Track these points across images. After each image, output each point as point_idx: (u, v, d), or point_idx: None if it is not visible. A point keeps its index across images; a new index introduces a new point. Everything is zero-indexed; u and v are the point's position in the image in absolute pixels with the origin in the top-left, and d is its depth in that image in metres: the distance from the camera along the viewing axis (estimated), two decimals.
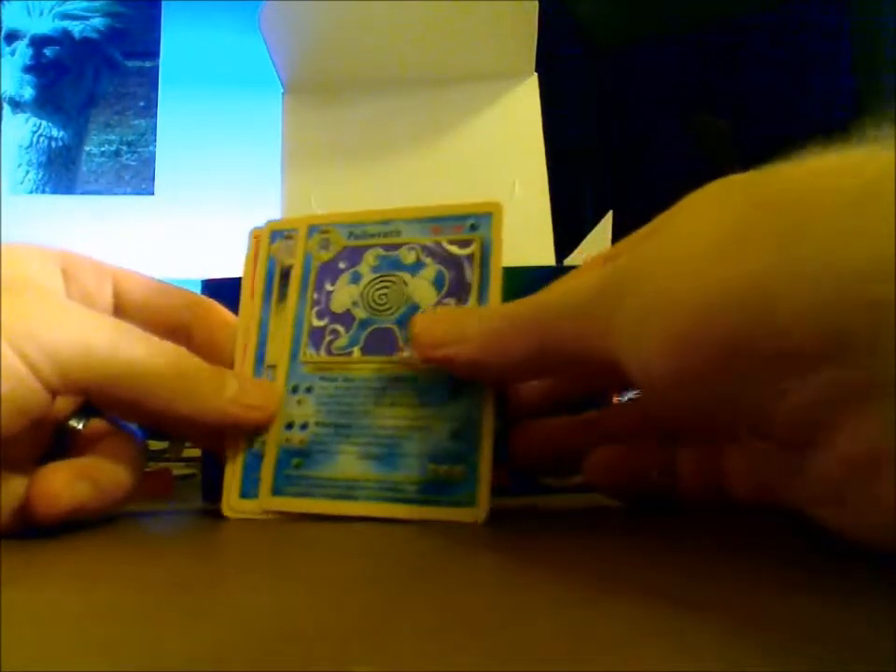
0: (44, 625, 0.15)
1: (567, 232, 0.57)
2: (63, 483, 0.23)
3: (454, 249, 0.28)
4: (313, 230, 0.29)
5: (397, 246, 0.28)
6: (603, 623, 0.14)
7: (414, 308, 0.27)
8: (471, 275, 0.27)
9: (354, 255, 0.29)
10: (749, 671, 0.11)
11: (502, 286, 0.30)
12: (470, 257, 0.28)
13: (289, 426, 0.27)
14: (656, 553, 0.19)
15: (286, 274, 0.29)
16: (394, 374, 0.27)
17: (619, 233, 0.53)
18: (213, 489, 0.28)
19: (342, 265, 0.29)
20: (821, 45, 0.68)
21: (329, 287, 0.29)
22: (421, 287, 0.28)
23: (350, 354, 0.28)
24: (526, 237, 0.57)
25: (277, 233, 0.30)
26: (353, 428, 0.27)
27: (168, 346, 0.25)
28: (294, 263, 0.29)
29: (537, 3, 0.53)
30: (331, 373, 0.27)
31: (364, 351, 0.27)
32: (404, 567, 0.20)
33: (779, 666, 0.11)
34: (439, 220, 0.28)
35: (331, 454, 0.26)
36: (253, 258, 0.30)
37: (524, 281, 0.30)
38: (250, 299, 0.29)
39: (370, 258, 0.28)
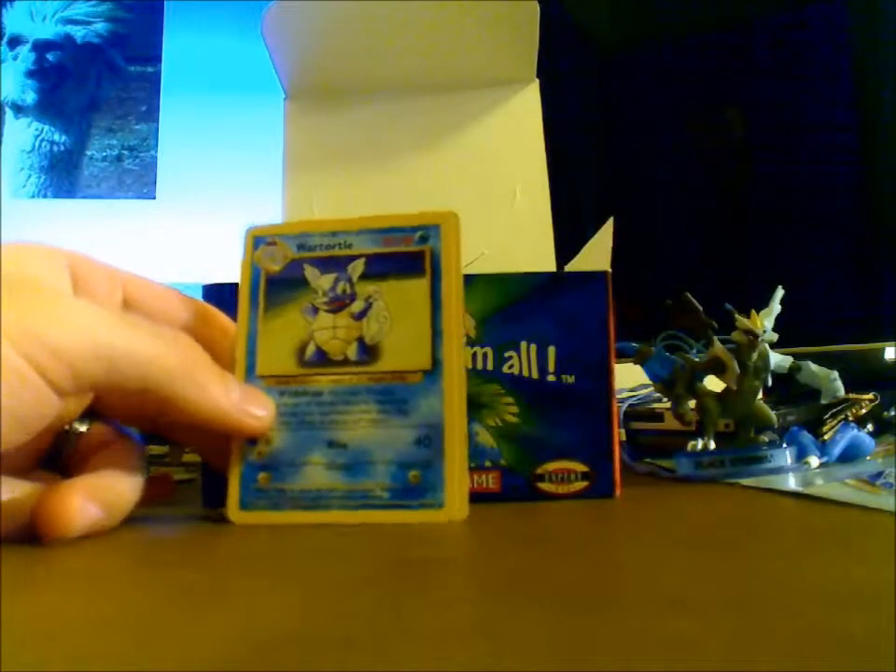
0: (44, 629, 0.15)
1: (569, 238, 0.57)
2: (76, 508, 0.23)
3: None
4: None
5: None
6: (601, 630, 0.14)
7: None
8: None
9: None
10: None
11: (504, 292, 0.30)
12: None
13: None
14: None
15: (272, 282, 0.29)
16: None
17: (620, 239, 0.53)
18: (213, 494, 0.28)
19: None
20: (822, 46, 0.68)
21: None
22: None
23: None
24: (527, 243, 0.57)
25: (260, 239, 0.29)
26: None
27: (178, 337, 0.25)
28: (278, 270, 0.29)
29: (538, 8, 0.53)
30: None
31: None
32: (404, 570, 0.20)
33: None
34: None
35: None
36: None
37: (524, 287, 0.30)
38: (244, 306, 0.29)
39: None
